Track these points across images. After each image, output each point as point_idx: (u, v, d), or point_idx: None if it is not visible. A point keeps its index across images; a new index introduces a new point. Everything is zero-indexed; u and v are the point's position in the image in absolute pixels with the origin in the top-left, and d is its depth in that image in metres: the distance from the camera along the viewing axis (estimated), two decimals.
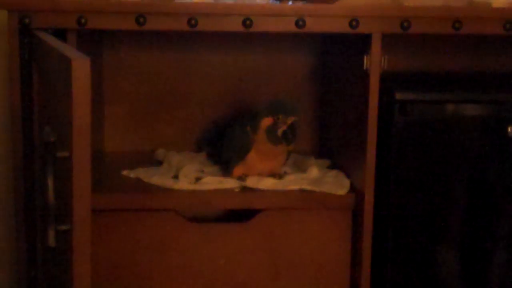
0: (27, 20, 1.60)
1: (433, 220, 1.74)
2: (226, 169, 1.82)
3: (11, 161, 1.64)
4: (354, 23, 1.63)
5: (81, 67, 1.03)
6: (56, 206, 1.09)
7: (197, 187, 1.76)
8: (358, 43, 1.70)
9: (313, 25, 1.64)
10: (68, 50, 1.16)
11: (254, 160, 1.77)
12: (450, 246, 1.76)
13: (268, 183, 1.77)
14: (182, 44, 2.06)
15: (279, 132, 1.71)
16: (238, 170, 1.79)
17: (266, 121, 1.73)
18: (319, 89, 2.10)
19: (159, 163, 1.95)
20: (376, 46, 1.64)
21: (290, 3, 1.75)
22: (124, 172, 1.85)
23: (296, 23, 1.63)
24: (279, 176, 1.79)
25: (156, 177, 1.81)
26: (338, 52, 1.91)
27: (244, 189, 1.77)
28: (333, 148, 1.98)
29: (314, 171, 1.84)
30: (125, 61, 2.06)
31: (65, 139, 1.08)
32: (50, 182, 1.06)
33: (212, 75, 2.08)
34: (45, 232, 1.08)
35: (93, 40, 1.97)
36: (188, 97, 2.09)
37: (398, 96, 1.69)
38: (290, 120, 1.70)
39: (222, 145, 1.86)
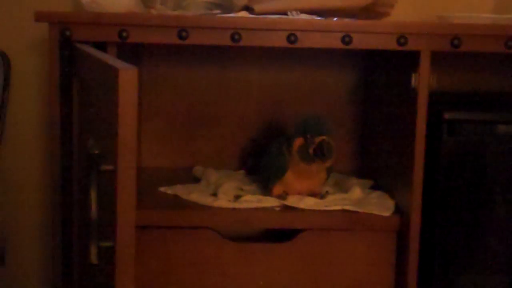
0: (68, 33, 1.57)
1: (480, 242, 1.68)
2: (265, 187, 1.78)
3: (49, 176, 1.62)
4: (402, 40, 1.58)
5: (128, 77, 0.99)
6: (98, 221, 1.04)
7: (237, 205, 1.71)
8: (406, 61, 1.65)
9: (360, 42, 1.59)
10: (114, 61, 1.12)
11: (292, 180, 1.73)
12: (498, 270, 1.69)
13: (309, 203, 1.72)
14: (221, 60, 2.02)
15: (310, 151, 1.67)
16: (277, 189, 1.75)
17: (298, 141, 1.69)
18: (361, 107, 2.05)
19: (197, 180, 1.91)
20: (424, 63, 1.59)
21: (335, 19, 1.70)
22: (162, 189, 1.81)
23: (342, 40, 1.59)
24: (320, 195, 1.74)
25: (194, 194, 1.76)
26: (382, 70, 1.86)
27: (285, 208, 1.72)
28: (376, 168, 1.93)
29: (356, 191, 1.79)
30: (163, 77, 2.02)
31: (110, 152, 1.04)
32: (93, 196, 1.02)
33: (251, 92, 2.04)
34: (87, 248, 1.03)
35: (132, 55, 1.94)
36: (226, 114, 2.05)
37: (447, 115, 1.64)
38: (318, 139, 1.65)
39: (261, 163, 1.82)
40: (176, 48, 1.95)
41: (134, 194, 1.03)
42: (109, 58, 1.17)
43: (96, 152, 1.01)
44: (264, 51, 2.00)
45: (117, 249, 1.02)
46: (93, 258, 1.02)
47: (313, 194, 1.74)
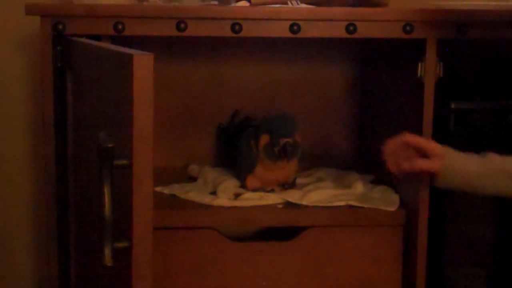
0: (60, 26, 1.47)
1: (490, 236, 1.61)
2: (240, 180, 1.71)
3: (43, 176, 1.52)
4: (408, 27, 1.50)
5: (144, 63, 0.90)
6: (112, 220, 0.95)
7: (237, 203, 1.63)
8: (410, 50, 1.57)
9: (365, 30, 1.51)
10: (123, 49, 1.03)
11: (263, 172, 1.67)
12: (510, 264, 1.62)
13: (312, 199, 1.64)
14: (216, 55, 1.92)
15: (275, 150, 1.61)
16: (251, 181, 1.68)
17: (264, 139, 1.64)
18: (359, 99, 1.96)
19: (193, 179, 1.81)
20: (431, 52, 1.52)
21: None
22: (158, 188, 1.71)
23: (347, 28, 1.51)
24: (289, 185, 1.69)
25: (193, 193, 1.67)
26: (383, 61, 1.79)
27: (288, 205, 1.64)
28: (377, 162, 1.85)
29: (359, 187, 1.71)
30: (156, 73, 1.91)
31: (124, 146, 0.94)
32: (107, 193, 0.92)
33: (247, 87, 1.94)
34: (101, 250, 0.93)
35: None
36: (221, 110, 1.94)
37: (454, 105, 1.56)
38: (283, 141, 1.60)
39: (234, 156, 1.75)
40: (170, 43, 1.85)
41: (151, 191, 0.94)
42: (118, 47, 1.07)
43: (110, 145, 0.92)
44: (260, 44, 1.91)
45: (134, 250, 0.93)
46: (108, 260, 0.93)
47: (283, 184, 1.69)
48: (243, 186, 1.70)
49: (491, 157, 1.39)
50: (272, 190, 1.68)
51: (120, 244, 0.94)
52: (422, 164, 1.41)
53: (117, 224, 0.94)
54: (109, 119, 1.04)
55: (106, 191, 0.93)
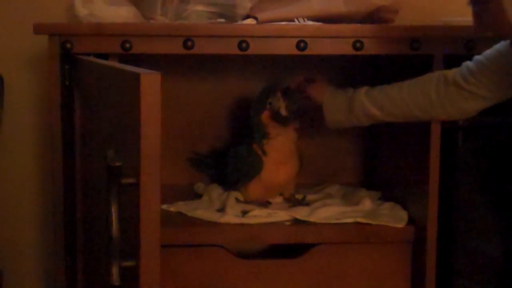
0: (68, 45, 1.47)
1: (500, 252, 1.59)
2: (235, 190, 1.71)
3: (50, 196, 1.51)
4: (415, 44, 1.50)
5: (150, 82, 0.89)
6: (120, 238, 0.94)
7: (245, 220, 1.62)
8: (417, 66, 1.56)
9: (372, 47, 1.51)
10: (131, 68, 1.02)
11: (268, 173, 1.66)
12: None
13: (320, 216, 1.63)
14: (223, 72, 1.91)
15: (282, 112, 1.62)
16: (252, 189, 1.69)
17: (265, 115, 1.65)
18: None
19: (198, 196, 1.80)
20: (438, 68, 1.51)
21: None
22: (164, 206, 1.70)
23: (353, 45, 1.50)
24: (298, 201, 1.70)
25: (199, 211, 1.66)
26: (391, 76, 1.77)
27: (295, 222, 1.62)
28: (383, 179, 1.84)
29: (367, 203, 1.69)
30: (163, 90, 1.91)
31: (132, 165, 0.93)
32: (114, 212, 0.92)
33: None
34: (108, 269, 0.93)
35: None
36: (228, 128, 1.93)
37: (462, 121, 1.55)
38: (278, 93, 1.62)
39: (226, 167, 1.74)
40: (177, 60, 1.84)
41: (159, 210, 0.93)
42: (125, 66, 1.07)
43: (117, 164, 0.91)
44: (267, 61, 1.90)
45: (141, 270, 0.92)
46: (115, 279, 0.92)
47: (290, 199, 1.70)
48: (246, 196, 1.69)
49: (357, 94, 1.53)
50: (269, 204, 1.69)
51: (128, 263, 0.93)
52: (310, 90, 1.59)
53: (124, 242, 0.94)
54: (117, 137, 1.04)
55: (114, 209, 0.92)
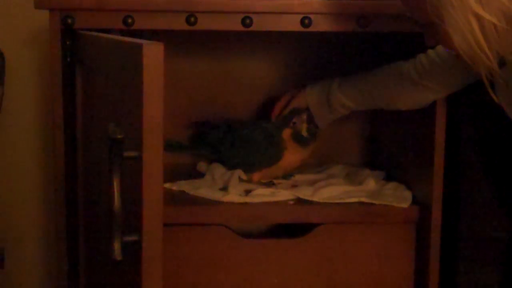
0: (69, 20, 1.44)
1: (505, 233, 1.57)
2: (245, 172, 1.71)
3: (51, 172, 1.49)
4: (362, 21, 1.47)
5: (153, 53, 0.87)
6: (122, 213, 0.92)
7: (248, 199, 1.59)
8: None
9: (378, 24, 1.48)
10: (133, 40, 1.00)
11: (282, 164, 1.69)
12: None
13: (323, 195, 1.61)
14: (226, 50, 1.88)
15: (304, 132, 1.66)
16: (257, 176, 1.69)
17: (287, 133, 1.66)
18: None
19: (201, 175, 1.78)
20: None
21: None
22: (166, 185, 1.67)
23: (358, 22, 1.48)
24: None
25: (202, 190, 1.64)
26: (395, 53, 1.75)
27: (299, 201, 1.60)
28: (388, 159, 1.81)
29: (371, 183, 1.67)
30: (165, 68, 1.88)
31: (134, 137, 0.91)
32: (116, 185, 0.89)
33: (257, 83, 1.91)
34: (110, 244, 0.90)
35: None
36: (230, 107, 1.91)
37: (468, 97, 1.52)
38: (304, 116, 1.65)
39: (237, 148, 1.73)
40: (179, 37, 1.81)
41: (162, 183, 0.91)
42: (127, 38, 1.04)
43: (119, 137, 0.89)
44: (270, 38, 1.87)
45: (144, 244, 0.90)
46: (117, 254, 0.90)
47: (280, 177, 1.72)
48: (249, 178, 1.69)
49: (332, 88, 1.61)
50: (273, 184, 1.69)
51: (130, 238, 0.91)
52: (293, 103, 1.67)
53: (126, 217, 0.92)
54: (119, 110, 1.01)
55: (116, 183, 0.90)
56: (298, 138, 1.67)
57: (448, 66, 1.42)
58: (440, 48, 1.42)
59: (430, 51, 1.45)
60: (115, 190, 0.89)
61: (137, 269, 0.92)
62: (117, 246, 0.90)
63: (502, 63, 1.15)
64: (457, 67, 1.39)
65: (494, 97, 1.19)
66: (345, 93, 1.61)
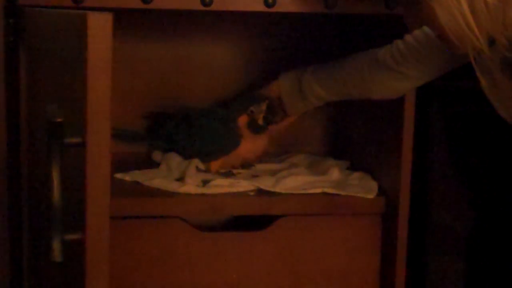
0: None
1: (471, 224, 1.47)
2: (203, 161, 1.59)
3: None
4: (391, 2, 1.35)
5: (99, 22, 0.73)
6: (62, 208, 0.78)
7: (206, 190, 1.46)
8: (393, 27, 1.41)
9: (345, 6, 1.36)
10: (79, 11, 0.86)
11: (240, 152, 1.58)
12: (498, 256, 1.49)
13: (286, 186, 1.48)
14: (186, 32, 1.74)
15: (260, 121, 1.55)
16: (215, 165, 1.58)
17: (242, 120, 1.56)
18: None
19: (156, 165, 1.64)
20: None
21: None
22: (118, 175, 1.53)
23: (326, 3, 1.35)
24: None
25: (157, 180, 1.50)
26: (361, 38, 1.64)
27: (260, 192, 1.48)
28: (352, 148, 1.70)
29: (335, 173, 1.55)
30: (120, 52, 1.72)
31: (77, 121, 0.77)
32: (55, 176, 0.75)
33: (215, 68, 1.76)
34: (48, 243, 0.76)
35: None
36: (190, 94, 1.77)
37: (437, 82, 1.42)
38: (263, 105, 1.55)
39: (193, 137, 1.62)
40: (135, 18, 1.67)
41: (108, 174, 0.77)
42: (72, 10, 0.90)
43: (59, 120, 0.75)
44: (234, 20, 1.74)
45: (88, 243, 0.76)
46: (57, 255, 0.75)
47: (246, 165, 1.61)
48: (207, 168, 1.58)
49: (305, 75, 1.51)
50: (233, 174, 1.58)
51: (72, 236, 0.77)
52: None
53: (68, 212, 0.77)
54: (61, 91, 0.87)
55: (55, 173, 0.75)
56: (253, 126, 1.56)
57: (427, 52, 1.30)
58: (418, 32, 1.30)
59: (407, 36, 1.33)
60: (55, 181, 0.75)
61: (80, 271, 0.78)
62: (56, 245, 0.75)
63: (491, 42, 1.04)
64: (436, 52, 1.27)
65: (482, 81, 1.08)
66: (319, 81, 1.49)
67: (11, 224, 1.31)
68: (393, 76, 1.36)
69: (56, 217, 0.76)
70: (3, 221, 1.29)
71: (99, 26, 0.73)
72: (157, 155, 1.68)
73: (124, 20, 1.58)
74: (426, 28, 1.27)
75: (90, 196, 0.75)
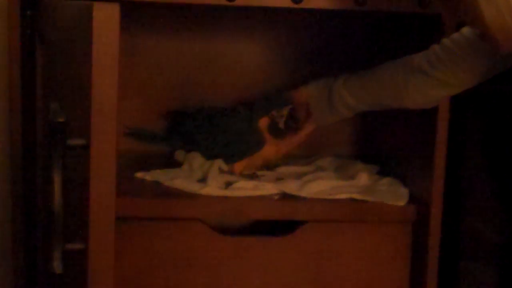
0: None
1: (510, 231, 1.38)
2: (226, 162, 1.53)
3: (8, 163, 1.26)
4: (425, 0, 1.27)
5: (105, 14, 0.65)
6: (64, 215, 0.71)
7: (228, 193, 1.39)
8: (426, 27, 1.34)
9: (376, 3, 1.27)
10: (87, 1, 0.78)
11: (264, 154, 1.52)
12: None
13: (311, 190, 1.41)
14: (209, 28, 1.68)
15: (281, 125, 1.50)
16: (238, 166, 1.51)
17: (263, 122, 1.50)
18: None
19: (179, 165, 1.57)
20: (449, 30, 1.27)
21: None
22: (139, 174, 1.46)
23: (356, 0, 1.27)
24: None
25: (178, 181, 1.43)
26: (393, 38, 1.55)
27: (284, 196, 1.40)
28: (382, 152, 1.62)
29: (363, 178, 1.47)
30: (141, 47, 1.66)
31: (81, 121, 0.70)
32: (57, 181, 0.68)
33: (240, 66, 1.69)
34: (48, 253, 0.69)
35: None
36: (212, 91, 1.70)
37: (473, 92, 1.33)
38: (285, 110, 1.49)
39: (215, 137, 1.55)
40: (160, 12, 1.60)
41: (114, 178, 0.70)
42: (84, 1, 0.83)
43: (60, 120, 0.68)
44: (260, 16, 1.67)
45: (91, 254, 0.69)
46: (56, 266, 0.68)
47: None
48: (231, 171, 1.51)
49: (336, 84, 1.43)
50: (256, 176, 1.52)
51: (73, 246, 0.70)
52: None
53: (70, 220, 0.70)
54: (65, 88, 0.80)
55: (57, 177, 0.69)
56: (273, 129, 1.50)
57: (466, 55, 1.21)
58: (456, 35, 1.21)
59: (444, 39, 1.24)
60: (56, 186, 0.68)
61: (82, 284, 0.71)
62: (56, 255, 0.68)
63: None
64: (476, 55, 1.19)
65: None
66: (349, 89, 1.40)
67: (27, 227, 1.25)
68: (429, 83, 1.27)
69: (57, 225, 0.69)
70: (19, 226, 1.23)
71: (105, 18, 0.66)
72: (180, 155, 1.62)
73: (147, 14, 1.52)
74: (465, 31, 1.18)
75: (93, 203, 0.68)
